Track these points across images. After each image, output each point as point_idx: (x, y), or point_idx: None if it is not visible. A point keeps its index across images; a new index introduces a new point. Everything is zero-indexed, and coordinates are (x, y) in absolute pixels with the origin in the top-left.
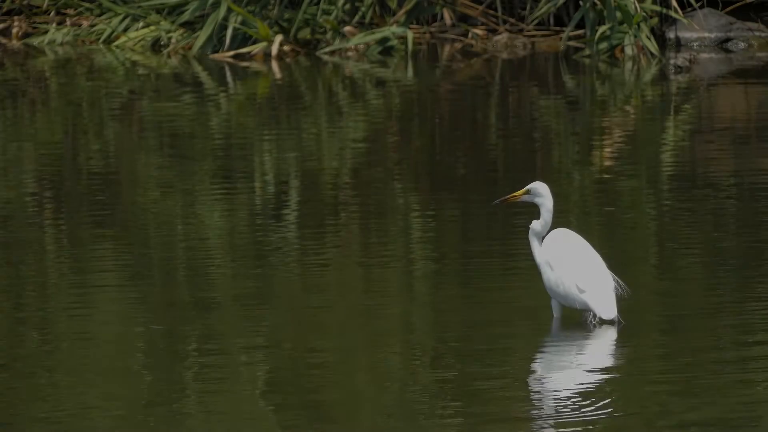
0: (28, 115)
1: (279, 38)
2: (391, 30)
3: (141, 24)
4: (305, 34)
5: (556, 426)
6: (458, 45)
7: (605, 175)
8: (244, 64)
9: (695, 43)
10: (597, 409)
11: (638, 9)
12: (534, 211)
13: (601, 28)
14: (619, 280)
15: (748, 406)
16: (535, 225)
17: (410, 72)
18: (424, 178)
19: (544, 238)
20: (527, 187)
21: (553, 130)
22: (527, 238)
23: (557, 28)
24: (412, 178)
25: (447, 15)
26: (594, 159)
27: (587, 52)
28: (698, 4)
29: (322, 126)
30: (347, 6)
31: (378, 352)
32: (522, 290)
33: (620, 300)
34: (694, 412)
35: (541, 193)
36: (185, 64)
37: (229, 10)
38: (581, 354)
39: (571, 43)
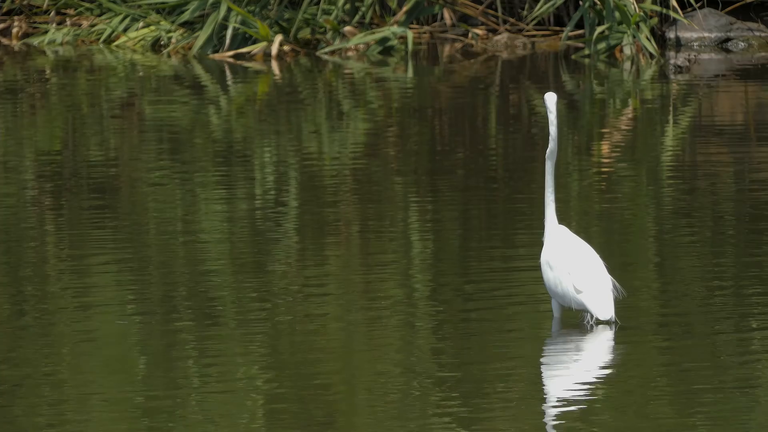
0: (27, 115)
1: (279, 38)
2: (391, 30)
3: (141, 24)
4: (305, 34)
5: (556, 426)
6: (458, 45)
7: (604, 174)
8: (244, 63)
9: (695, 43)
10: (597, 409)
11: (637, 9)
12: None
13: (599, 28)
14: (616, 283)
15: (750, 406)
16: (547, 152)
17: (410, 72)
18: (424, 176)
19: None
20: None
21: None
22: (528, 238)
23: (557, 28)
24: (412, 176)
25: (447, 15)
26: (593, 158)
27: (586, 52)
28: (698, 4)
29: (322, 125)
30: (347, 6)
31: (378, 351)
32: (522, 289)
33: (617, 301)
34: (694, 412)
35: (546, 104)
36: (185, 64)
37: (229, 10)
38: (581, 354)
39: (571, 42)
